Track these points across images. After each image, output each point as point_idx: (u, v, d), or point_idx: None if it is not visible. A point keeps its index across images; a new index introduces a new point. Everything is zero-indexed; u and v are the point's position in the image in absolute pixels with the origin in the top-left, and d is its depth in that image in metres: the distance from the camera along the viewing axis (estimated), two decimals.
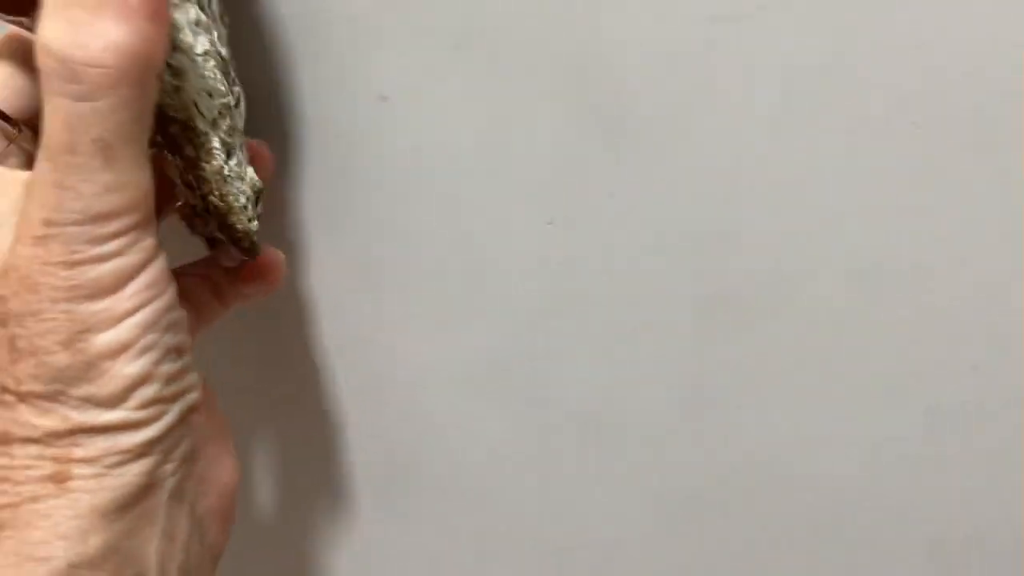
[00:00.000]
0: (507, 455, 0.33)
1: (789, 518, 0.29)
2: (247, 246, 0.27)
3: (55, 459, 0.22)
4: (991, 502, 0.26)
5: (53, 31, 0.21)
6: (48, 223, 0.22)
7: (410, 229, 0.30)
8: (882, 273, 0.26)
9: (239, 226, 0.26)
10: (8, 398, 0.22)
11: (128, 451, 0.23)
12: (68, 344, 0.22)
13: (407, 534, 0.35)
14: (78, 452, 0.23)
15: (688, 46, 0.25)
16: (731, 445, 0.29)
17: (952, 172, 0.24)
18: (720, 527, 0.31)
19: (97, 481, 0.23)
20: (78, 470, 0.23)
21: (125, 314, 0.23)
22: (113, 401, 0.23)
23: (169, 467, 0.24)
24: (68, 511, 0.22)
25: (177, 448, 0.25)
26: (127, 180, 0.22)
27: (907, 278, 0.25)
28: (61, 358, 0.22)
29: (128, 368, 0.23)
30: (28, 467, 0.22)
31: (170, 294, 0.24)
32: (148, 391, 0.23)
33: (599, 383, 0.31)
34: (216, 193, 0.25)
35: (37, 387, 0.22)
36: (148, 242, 0.23)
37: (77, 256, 0.22)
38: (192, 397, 0.25)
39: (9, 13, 0.23)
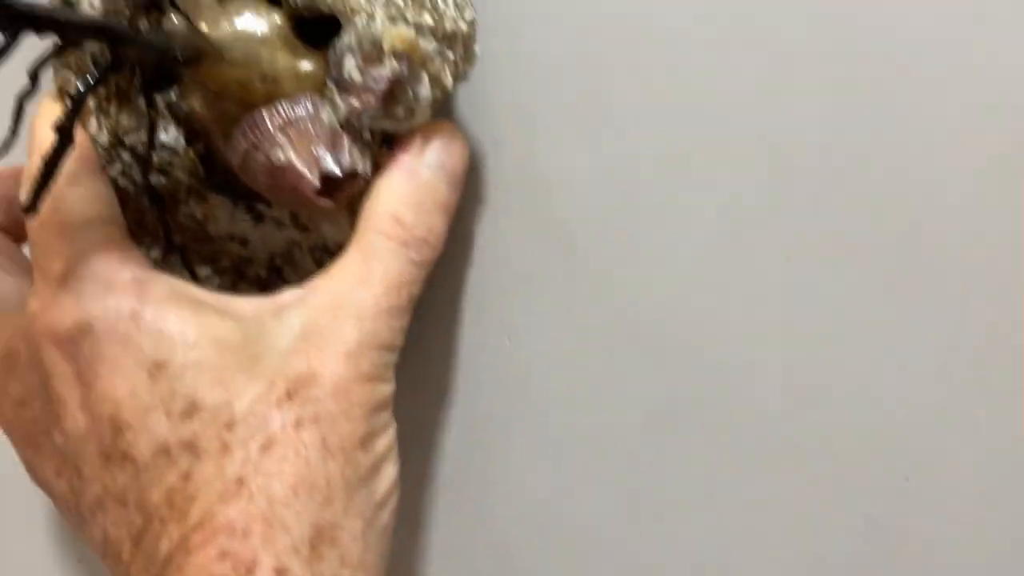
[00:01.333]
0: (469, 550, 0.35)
1: None
2: None
3: None
4: None
5: (407, 212, 0.27)
6: (361, 344, 0.26)
7: None
8: (821, 390, 0.28)
9: None
10: (319, 497, 0.26)
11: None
12: (364, 445, 0.26)
13: None
14: None
15: (631, 175, 0.29)
16: (676, 553, 0.31)
17: (884, 307, 0.27)
18: None
19: None
20: None
21: (389, 425, 0.28)
22: (381, 505, 0.27)
23: None
24: None
25: None
26: (408, 325, 0.28)
27: (845, 394, 0.28)
28: (361, 456, 0.26)
29: (391, 470, 0.28)
30: None
31: None
32: (395, 499, 0.28)
33: (552, 484, 0.33)
34: None
35: (346, 488, 0.26)
36: None
37: (377, 374, 0.27)
38: None
39: (328, 198, 0.27)
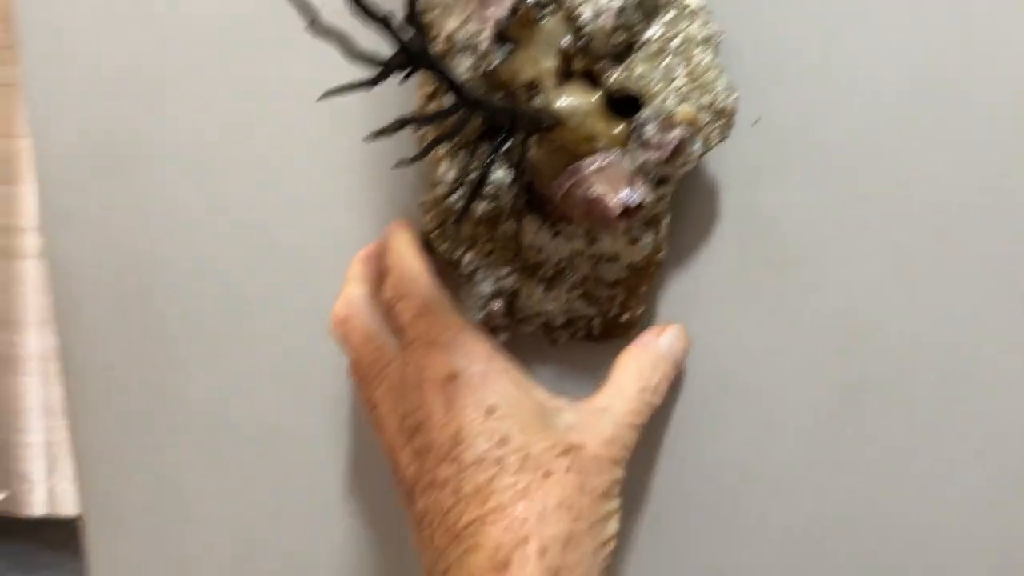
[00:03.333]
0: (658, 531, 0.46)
1: None
2: None
3: None
4: None
5: (646, 369, 0.41)
6: (613, 435, 0.39)
7: None
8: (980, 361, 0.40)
9: None
10: (574, 514, 0.37)
11: None
12: (603, 498, 0.38)
13: None
14: None
15: (832, 212, 0.44)
16: (868, 515, 0.42)
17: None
18: None
19: None
20: None
21: (617, 497, 0.39)
22: (605, 544, 0.38)
23: None
24: None
25: None
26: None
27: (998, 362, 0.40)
28: (600, 504, 0.37)
29: (614, 525, 0.38)
30: None
31: None
32: (613, 545, 0.38)
33: (745, 458, 0.43)
34: None
35: (589, 519, 0.37)
36: None
37: (618, 458, 0.39)
38: None
39: (625, 219, 0.39)
